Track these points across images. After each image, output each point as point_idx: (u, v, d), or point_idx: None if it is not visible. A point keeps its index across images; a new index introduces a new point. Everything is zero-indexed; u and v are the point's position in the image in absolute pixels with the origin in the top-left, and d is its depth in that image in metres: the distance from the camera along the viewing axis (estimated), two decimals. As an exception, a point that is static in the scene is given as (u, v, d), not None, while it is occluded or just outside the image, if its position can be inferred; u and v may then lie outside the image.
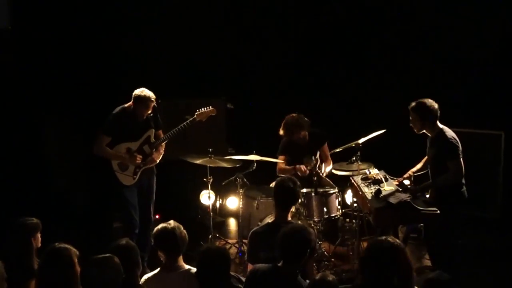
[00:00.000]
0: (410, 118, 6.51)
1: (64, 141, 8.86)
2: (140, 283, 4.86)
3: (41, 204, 8.23)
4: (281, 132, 7.67)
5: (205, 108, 7.35)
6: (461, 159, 6.26)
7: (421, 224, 8.06)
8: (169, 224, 4.97)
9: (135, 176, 7.16)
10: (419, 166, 6.92)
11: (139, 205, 7.27)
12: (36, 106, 8.79)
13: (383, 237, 4.27)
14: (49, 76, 8.84)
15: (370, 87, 9.26)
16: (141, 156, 7.14)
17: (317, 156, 7.82)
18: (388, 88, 9.11)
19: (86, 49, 9.07)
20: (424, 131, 6.49)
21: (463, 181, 6.41)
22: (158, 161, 7.33)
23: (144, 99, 6.93)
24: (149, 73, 9.12)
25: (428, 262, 7.52)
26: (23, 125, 8.64)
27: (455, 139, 6.32)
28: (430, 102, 6.39)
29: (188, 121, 7.26)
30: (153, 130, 7.25)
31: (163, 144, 7.35)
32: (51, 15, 8.82)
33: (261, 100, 9.44)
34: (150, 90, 6.97)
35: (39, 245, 5.34)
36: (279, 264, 4.67)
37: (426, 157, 6.85)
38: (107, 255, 4.24)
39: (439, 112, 6.37)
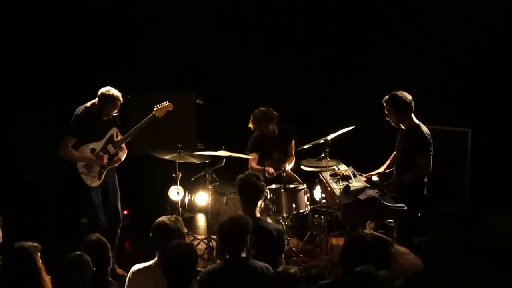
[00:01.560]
0: (386, 112, 6.51)
1: (33, 136, 8.76)
2: (129, 273, 4.88)
3: (8, 198, 8.14)
4: (250, 125, 7.67)
5: (163, 103, 7.27)
6: (431, 156, 6.29)
7: (389, 220, 8.17)
8: (170, 218, 4.94)
9: (100, 177, 7.04)
10: (387, 163, 6.95)
11: (106, 206, 7.16)
12: (6, 101, 8.69)
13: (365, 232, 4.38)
14: (20, 71, 8.73)
15: (339, 83, 9.29)
16: (107, 156, 7.02)
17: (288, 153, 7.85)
18: (356, 84, 9.15)
19: (56, 43, 8.98)
20: (401, 125, 6.50)
21: (426, 180, 6.46)
22: (123, 159, 7.24)
23: (113, 98, 6.79)
24: (121, 67, 9.06)
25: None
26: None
27: (429, 136, 6.34)
28: (403, 93, 6.42)
29: (148, 117, 7.16)
30: (115, 129, 7.12)
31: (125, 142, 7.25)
32: (22, 10, 8.71)
33: (230, 96, 9.41)
34: (120, 85, 6.89)
35: (0, 240, 5.28)
36: (227, 257, 4.70)
37: (394, 153, 6.89)
38: (77, 253, 4.23)
39: (412, 103, 6.38)
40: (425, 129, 6.37)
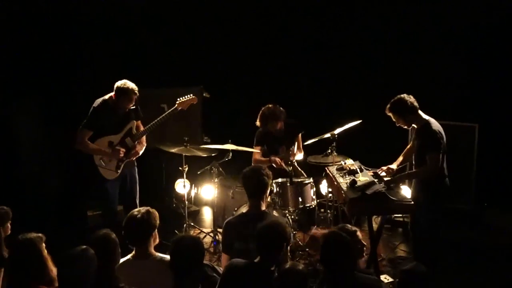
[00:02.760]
0: (393, 119, 6.50)
1: (37, 129, 8.78)
2: None
3: (14, 191, 8.16)
4: (258, 123, 7.64)
5: (186, 97, 7.24)
6: (440, 154, 6.24)
7: (395, 215, 8.18)
8: (138, 211, 4.90)
9: (118, 170, 7.03)
10: (400, 158, 6.92)
11: (123, 199, 7.19)
12: (9, 93, 8.70)
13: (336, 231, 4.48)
14: (23, 63, 8.74)
15: (346, 78, 9.27)
16: (124, 150, 7.00)
17: (294, 146, 7.82)
18: (364, 78, 9.13)
19: (60, 37, 8.99)
20: (413, 125, 6.49)
21: (446, 172, 6.44)
22: (141, 153, 7.23)
23: (127, 92, 6.77)
24: (125, 61, 9.07)
25: (401, 252, 7.59)
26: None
27: (439, 132, 6.29)
28: (402, 96, 6.36)
29: (170, 110, 7.14)
30: (135, 122, 7.11)
31: (145, 135, 7.24)
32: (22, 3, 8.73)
33: (237, 89, 9.41)
34: (127, 79, 6.84)
35: (9, 233, 5.31)
36: (256, 260, 4.68)
37: (407, 148, 6.88)
38: (82, 247, 4.22)
39: (415, 102, 6.36)
40: (435, 125, 6.33)
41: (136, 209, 4.94)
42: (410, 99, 6.34)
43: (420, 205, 6.26)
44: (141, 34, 9.35)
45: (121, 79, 6.92)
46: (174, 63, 9.45)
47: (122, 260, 4.87)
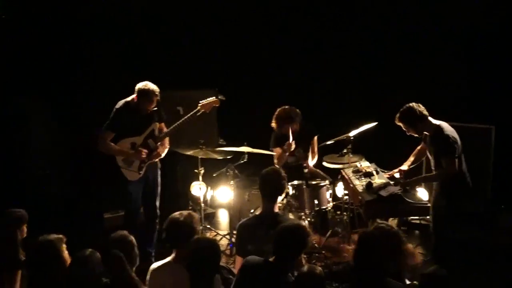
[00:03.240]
0: (403, 129, 6.48)
1: (53, 130, 8.81)
2: (149, 271, 4.89)
3: (30, 194, 8.20)
4: (273, 124, 7.64)
5: (209, 99, 7.22)
6: (456, 157, 6.21)
7: (412, 217, 8.15)
8: (180, 213, 4.95)
9: (140, 172, 7.04)
10: (411, 159, 6.91)
11: (144, 200, 7.21)
12: (23, 93, 8.74)
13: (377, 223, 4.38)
14: (36, 64, 8.78)
15: (361, 80, 9.25)
16: (146, 151, 7.00)
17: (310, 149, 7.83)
18: (379, 80, 9.10)
19: (74, 38, 9.02)
20: (424, 132, 6.46)
21: (467, 175, 6.41)
22: (163, 155, 7.22)
23: (148, 93, 6.76)
24: (139, 64, 9.09)
25: (420, 255, 7.55)
26: (9, 114, 8.59)
27: (453, 136, 6.26)
28: (411, 105, 6.35)
29: (192, 113, 7.12)
30: (157, 124, 7.12)
31: (168, 137, 7.25)
32: (39, 3, 8.77)
33: (252, 92, 9.42)
34: (142, 81, 6.86)
35: (24, 235, 5.34)
36: (271, 260, 4.68)
37: (417, 149, 6.86)
38: (88, 251, 4.26)
39: (424, 110, 6.34)
40: (447, 129, 6.30)
41: (178, 212, 4.99)
42: (419, 107, 6.32)
43: (441, 208, 6.25)
44: (155, 36, 9.37)
45: (133, 81, 6.95)
46: (189, 65, 9.46)
47: (161, 262, 4.89)
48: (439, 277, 4.31)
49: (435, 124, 6.33)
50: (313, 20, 9.36)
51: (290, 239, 4.65)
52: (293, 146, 7.51)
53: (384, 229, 4.71)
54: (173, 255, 4.88)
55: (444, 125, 6.34)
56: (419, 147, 6.86)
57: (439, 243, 6.61)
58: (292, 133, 7.49)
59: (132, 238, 4.72)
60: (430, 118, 6.35)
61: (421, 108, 6.32)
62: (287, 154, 7.62)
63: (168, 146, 7.28)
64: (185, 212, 4.96)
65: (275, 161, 7.73)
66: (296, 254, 4.69)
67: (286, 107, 7.60)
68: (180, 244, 4.81)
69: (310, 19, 9.36)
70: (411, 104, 6.35)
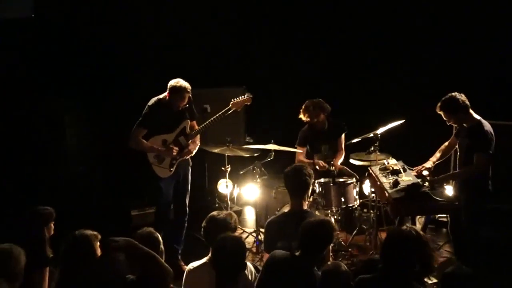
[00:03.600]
0: (444, 118, 6.43)
1: (83, 129, 8.90)
2: (186, 270, 4.94)
3: (59, 191, 8.28)
4: (302, 115, 7.65)
5: (241, 97, 7.25)
6: (489, 155, 6.16)
7: (439, 215, 8.09)
8: (219, 212, 5.00)
9: (171, 169, 7.08)
10: (438, 155, 6.85)
11: (174, 197, 7.23)
12: (57, 93, 8.83)
13: (406, 227, 4.35)
14: (70, 64, 8.87)
15: (389, 77, 9.19)
16: (177, 148, 7.04)
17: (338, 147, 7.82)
18: (408, 78, 9.04)
19: (106, 38, 9.09)
20: (464, 123, 6.41)
21: (490, 174, 6.36)
22: (194, 152, 7.25)
23: (180, 90, 6.81)
24: (167, 63, 9.14)
25: (445, 253, 7.51)
26: (43, 112, 8.69)
27: (491, 133, 6.22)
28: (454, 94, 6.29)
29: (224, 110, 7.14)
30: (189, 121, 7.15)
31: (199, 135, 7.28)
32: (73, 2, 8.84)
33: (279, 90, 9.41)
34: (174, 79, 6.90)
35: (52, 233, 5.39)
36: (297, 254, 4.68)
37: (445, 145, 6.80)
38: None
39: (467, 101, 6.28)
40: (487, 126, 6.25)
41: (217, 211, 5.06)
42: (462, 97, 6.27)
43: (460, 205, 6.21)
44: (183, 34, 9.40)
45: (163, 79, 7.02)
46: (217, 63, 9.49)
47: (198, 263, 4.91)
48: (460, 276, 4.27)
49: (476, 119, 6.29)
50: (340, 17, 9.33)
51: (316, 233, 4.67)
52: (322, 166, 7.54)
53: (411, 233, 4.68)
54: (209, 256, 4.89)
55: (484, 121, 6.30)
56: (447, 143, 6.80)
57: (459, 242, 6.56)
58: (319, 129, 7.51)
59: (158, 235, 4.75)
60: (471, 111, 6.30)
61: (463, 98, 6.28)
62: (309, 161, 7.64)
63: (199, 144, 7.31)
64: (225, 211, 5.03)
65: (296, 160, 7.73)
66: (321, 248, 4.70)
67: (315, 99, 7.62)
68: None
69: (336, 17, 9.33)
70: (453, 93, 6.30)
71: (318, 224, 4.75)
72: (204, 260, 4.89)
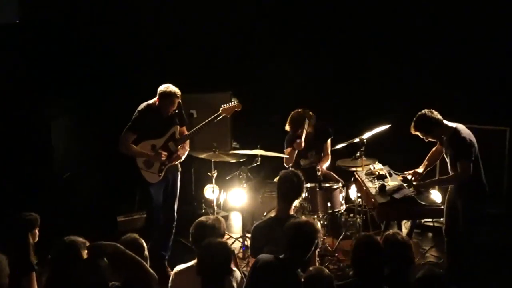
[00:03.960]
0: (421, 137, 6.47)
1: (70, 135, 8.86)
2: (172, 273, 4.94)
3: (45, 197, 8.23)
4: (287, 127, 7.66)
5: (231, 103, 7.29)
6: (471, 161, 6.19)
7: (425, 220, 8.13)
8: (207, 217, 5.01)
9: (160, 174, 7.07)
10: (426, 163, 6.88)
11: (163, 202, 7.22)
12: (44, 99, 8.79)
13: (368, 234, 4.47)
14: (57, 69, 8.82)
15: (374, 82, 9.23)
16: (166, 153, 7.04)
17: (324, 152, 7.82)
18: (392, 83, 9.08)
19: (92, 44, 9.07)
20: (442, 135, 6.45)
21: (483, 178, 6.39)
22: (183, 158, 7.25)
23: (169, 95, 6.83)
24: (154, 68, 9.14)
25: (432, 258, 7.54)
26: (30, 119, 8.64)
27: (469, 139, 6.25)
28: (424, 112, 6.33)
29: (213, 116, 7.17)
30: (178, 127, 7.16)
31: (188, 140, 7.29)
32: (59, 8, 8.81)
33: (265, 95, 9.42)
34: (155, 86, 6.92)
35: (36, 239, 5.37)
36: (281, 256, 4.69)
37: (431, 152, 6.84)
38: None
39: (438, 115, 6.32)
40: (464, 132, 6.28)
41: (205, 216, 5.08)
42: (432, 113, 6.31)
43: (458, 210, 6.24)
44: (170, 39, 9.40)
45: (151, 84, 7.04)
46: (203, 68, 9.49)
47: (185, 265, 4.90)
48: (432, 278, 4.29)
49: (452, 127, 6.31)
50: (326, 24, 9.35)
51: (299, 235, 4.68)
52: (302, 145, 7.51)
53: (394, 239, 4.75)
54: (196, 260, 4.86)
55: (461, 127, 6.33)
56: (433, 149, 6.84)
57: (452, 246, 6.59)
58: (305, 135, 7.50)
59: (143, 241, 4.74)
60: (446, 122, 6.34)
61: (434, 114, 6.31)
62: (295, 152, 7.62)
63: (188, 149, 7.32)
64: (212, 216, 5.04)
65: (284, 159, 7.73)
66: (306, 250, 4.70)
67: (300, 110, 7.62)
68: None
69: (323, 24, 9.36)
70: (423, 112, 6.34)
71: (301, 226, 4.78)
72: (191, 263, 4.88)
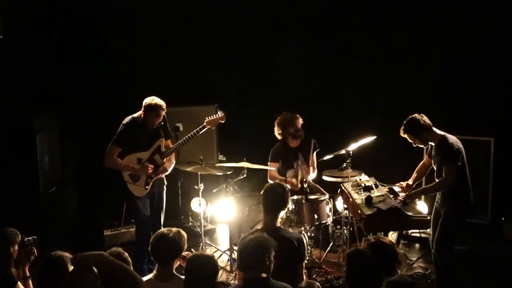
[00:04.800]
0: (409, 140, 6.52)
1: (54, 149, 8.81)
2: None
3: (32, 212, 8.18)
4: (276, 129, 7.70)
5: (215, 115, 7.32)
6: (457, 167, 6.21)
7: (412, 231, 8.15)
8: (169, 230, 4.95)
9: (147, 187, 7.07)
10: (414, 175, 6.91)
11: (151, 216, 7.21)
12: (28, 113, 8.75)
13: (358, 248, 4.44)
14: (41, 83, 8.79)
15: (360, 94, 9.27)
16: (152, 166, 7.06)
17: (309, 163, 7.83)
18: (378, 94, 9.12)
19: (76, 57, 9.05)
20: (430, 142, 6.49)
21: (470, 186, 6.42)
22: (170, 170, 7.27)
23: (155, 108, 6.86)
24: (138, 81, 9.14)
25: (419, 268, 7.55)
26: (14, 132, 8.58)
27: (457, 145, 6.29)
28: (414, 116, 6.39)
29: (198, 129, 7.21)
30: (163, 140, 7.18)
31: (174, 153, 7.30)
32: (42, 22, 8.79)
33: (251, 107, 9.42)
34: (142, 99, 6.93)
35: (16, 255, 5.31)
36: (247, 277, 4.64)
37: (420, 164, 6.87)
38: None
39: (428, 120, 6.37)
40: (451, 139, 6.33)
41: (167, 228, 5.00)
42: (422, 117, 6.36)
43: (443, 218, 6.27)
44: (155, 53, 9.40)
45: (136, 97, 7.06)
46: (188, 82, 9.49)
47: (144, 279, 4.87)
48: (401, 284, 4.31)
49: (440, 134, 6.36)
50: (310, 34, 9.40)
51: (252, 252, 4.63)
52: (298, 187, 7.57)
53: (377, 243, 4.76)
54: (154, 272, 4.88)
55: (449, 135, 6.39)
56: (421, 163, 6.88)
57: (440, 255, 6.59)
58: (293, 145, 7.56)
59: (127, 255, 4.71)
60: (434, 129, 6.39)
61: (425, 118, 6.37)
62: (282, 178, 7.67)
63: (174, 162, 7.33)
64: (174, 229, 4.95)
65: (268, 176, 7.76)
66: (260, 261, 4.61)
67: (285, 112, 7.70)
68: (164, 261, 4.83)
69: (305, 34, 9.40)
70: (414, 115, 6.40)
71: (249, 243, 4.69)
72: (149, 276, 4.87)
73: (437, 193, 6.51)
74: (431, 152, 6.57)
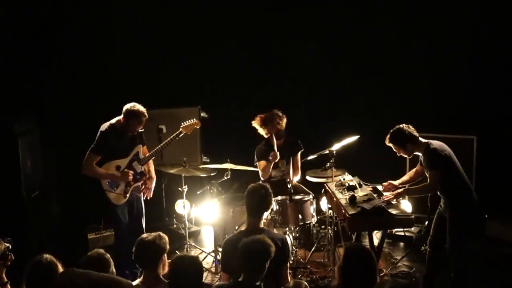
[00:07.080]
0: (394, 150, 6.52)
1: (36, 153, 8.75)
2: None
3: (15, 216, 8.12)
4: (260, 126, 7.69)
5: (190, 121, 7.30)
6: (440, 171, 6.19)
7: (396, 229, 8.18)
8: (148, 234, 4.92)
9: (126, 195, 7.01)
10: (405, 178, 6.88)
11: (130, 222, 7.15)
12: (10, 117, 8.69)
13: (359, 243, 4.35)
14: (22, 87, 8.74)
15: (343, 94, 9.29)
16: (132, 172, 6.99)
17: (291, 163, 7.83)
18: (361, 94, 9.15)
19: (57, 61, 9.02)
20: (416, 152, 6.49)
21: (471, 187, 6.44)
22: (152, 188, 7.28)
23: (138, 115, 6.78)
24: (121, 83, 9.10)
25: (403, 267, 7.57)
26: None
27: (441, 149, 6.26)
28: (400, 127, 6.38)
29: (174, 135, 7.17)
30: (141, 146, 7.11)
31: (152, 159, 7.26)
32: (23, 26, 8.74)
33: (234, 108, 9.43)
34: (123, 101, 6.89)
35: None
36: (240, 279, 4.65)
37: (414, 170, 6.85)
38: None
39: (414, 131, 6.36)
40: (434, 144, 6.30)
41: (147, 234, 4.98)
42: (409, 129, 6.35)
43: (449, 226, 6.26)
44: (138, 55, 9.37)
45: (118, 101, 6.97)
46: (171, 83, 9.47)
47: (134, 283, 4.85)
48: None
49: (424, 143, 6.35)
50: (291, 34, 9.41)
51: (253, 253, 4.64)
52: (278, 157, 7.56)
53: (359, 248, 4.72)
54: (141, 279, 4.85)
55: (432, 141, 6.36)
56: (414, 169, 6.86)
57: (433, 256, 6.58)
58: (277, 145, 7.55)
59: (109, 256, 4.69)
60: (420, 139, 6.39)
61: (411, 129, 6.36)
62: (272, 165, 7.66)
63: (155, 177, 7.33)
64: (154, 233, 4.92)
65: (261, 173, 7.77)
66: (261, 266, 4.65)
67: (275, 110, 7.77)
68: (149, 266, 4.81)
69: (290, 35, 9.41)
70: (401, 126, 6.39)
71: (252, 243, 4.72)
72: (136, 282, 4.83)
73: (441, 198, 6.49)
74: (422, 161, 6.58)
